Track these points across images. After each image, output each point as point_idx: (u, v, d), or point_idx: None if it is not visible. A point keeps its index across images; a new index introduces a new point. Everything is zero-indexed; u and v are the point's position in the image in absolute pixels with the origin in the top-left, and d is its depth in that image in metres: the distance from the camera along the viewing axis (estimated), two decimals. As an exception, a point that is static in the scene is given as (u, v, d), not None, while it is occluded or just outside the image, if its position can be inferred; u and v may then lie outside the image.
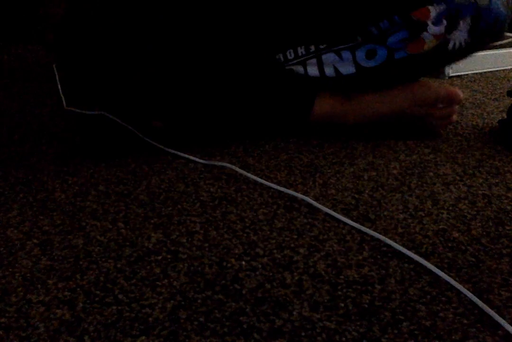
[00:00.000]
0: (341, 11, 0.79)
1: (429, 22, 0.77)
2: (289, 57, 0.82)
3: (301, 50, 0.81)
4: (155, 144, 0.79)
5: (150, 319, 0.44)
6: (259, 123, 0.84)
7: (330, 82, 0.83)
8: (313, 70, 0.83)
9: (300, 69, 0.83)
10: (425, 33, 0.78)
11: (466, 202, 0.64)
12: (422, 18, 0.77)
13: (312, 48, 0.81)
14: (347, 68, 0.82)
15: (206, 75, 0.78)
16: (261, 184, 0.67)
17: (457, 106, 0.84)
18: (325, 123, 0.83)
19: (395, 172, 0.72)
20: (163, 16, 0.79)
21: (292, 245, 0.55)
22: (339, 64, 0.81)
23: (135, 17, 0.78)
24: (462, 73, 1.20)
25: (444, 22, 0.76)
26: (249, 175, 0.69)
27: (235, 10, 0.80)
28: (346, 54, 0.81)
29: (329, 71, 0.82)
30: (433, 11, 0.76)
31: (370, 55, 0.80)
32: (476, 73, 1.22)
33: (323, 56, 0.81)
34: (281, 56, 0.82)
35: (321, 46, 0.81)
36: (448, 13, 0.75)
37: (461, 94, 0.82)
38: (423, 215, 0.61)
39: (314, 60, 0.82)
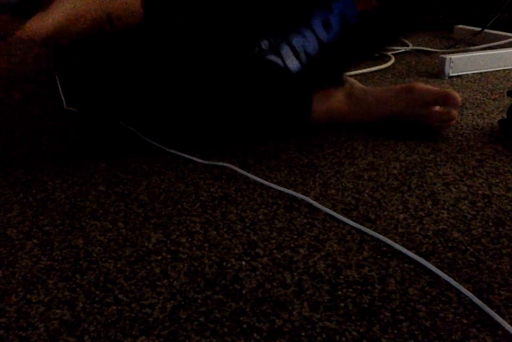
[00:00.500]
0: None
1: None
2: (264, 47, 0.81)
3: (271, 39, 0.80)
4: (155, 144, 0.79)
5: (150, 319, 0.44)
6: (259, 125, 0.84)
7: (311, 69, 0.82)
8: (293, 63, 0.81)
9: (279, 60, 0.81)
10: None
11: (466, 202, 0.64)
12: None
13: (279, 36, 0.80)
14: (313, 46, 0.80)
15: (205, 76, 0.78)
16: (261, 184, 0.67)
17: (457, 111, 0.84)
18: (324, 124, 0.83)
19: (395, 171, 0.72)
20: (163, 17, 0.79)
21: (292, 245, 0.55)
22: (306, 45, 0.80)
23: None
24: (462, 73, 1.20)
25: None
26: (249, 175, 0.69)
27: (235, 9, 0.80)
28: (307, 32, 0.79)
29: (303, 57, 0.81)
30: None
31: (326, 25, 0.79)
32: (476, 73, 1.22)
33: (294, 43, 0.80)
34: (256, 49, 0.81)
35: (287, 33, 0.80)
36: None
37: (459, 97, 0.82)
38: (423, 215, 0.61)
39: (288, 49, 0.80)
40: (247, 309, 0.45)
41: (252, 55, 0.80)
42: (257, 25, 0.80)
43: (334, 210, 0.61)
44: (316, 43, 0.79)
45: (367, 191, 0.66)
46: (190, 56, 0.78)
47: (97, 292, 0.48)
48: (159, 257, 0.53)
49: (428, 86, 0.85)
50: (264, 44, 0.80)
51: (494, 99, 1.03)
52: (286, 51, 0.80)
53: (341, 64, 0.83)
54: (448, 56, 1.16)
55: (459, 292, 0.47)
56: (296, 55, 0.80)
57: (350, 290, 0.48)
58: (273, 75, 0.82)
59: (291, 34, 0.79)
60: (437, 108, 0.83)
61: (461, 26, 1.57)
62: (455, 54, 1.20)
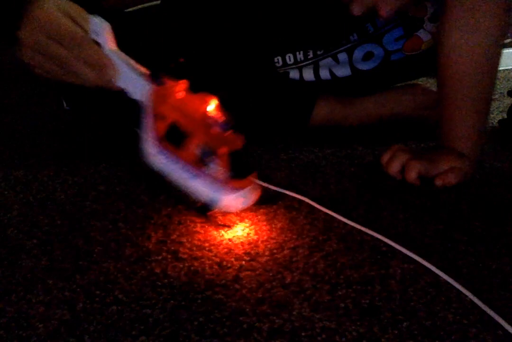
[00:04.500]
0: (338, 7, 0.79)
1: (426, 19, 0.76)
2: (288, 62, 0.82)
3: (299, 56, 0.81)
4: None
5: (150, 319, 0.44)
6: (259, 127, 0.84)
7: (326, 85, 0.83)
8: (308, 74, 0.82)
9: (296, 73, 0.82)
10: (421, 30, 0.78)
11: (466, 201, 0.64)
12: (419, 15, 0.76)
13: (311, 54, 0.80)
14: (342, 71, 0.81)
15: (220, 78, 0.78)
16: (261, 184, 0.67)
17: None
18: (325, 126, 0.83)
19: (395, 172, 0.72)
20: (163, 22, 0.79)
21: (292, 245, 0.55)
22: (335, 67, 0.81)
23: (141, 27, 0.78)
24: (462, 73, 1.20)
25: None
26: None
27: (238, 13, 0.80)
28: (343, 57, 0.80)
29: (324, 74, 0.82)
30: (430, 7, 0.76)
31: (367, 57, 0.80)
32: (476, 73, 1.21)
33: (320, 62, 0.81)
34: (279, 59, 0.82)
35: (319, 52, 0.80)
36: None
37: None
38: (423, 214, 0.61)
39: (310, 65, 0.82)
40: (247, 309, 0.45)
41: (269, 66, 0.81)
42: (279, 39, 0.81)
43: (334, 210, 0.61)
44: (348, 69, 0.81)
45: (367, 191, 0.66)
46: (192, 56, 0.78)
47: (97, 292, 0.48)
48: (159, 257, 0.53)
49: (429, 90, 0.85)
50: (289, 58, 0.81)
51: (494, 99, 1.03)
52: (307, 66, 0.81)
53: (367, 89, 0.84)
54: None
55: (459, 292, 0.47)
56: (316, 70, 0.81)
57: (350, 290, 0.48)
58: (278, 78, 0.83)
59: (322, 56, 0.80)
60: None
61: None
62: (455, 54, 1.19)
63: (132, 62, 0.55)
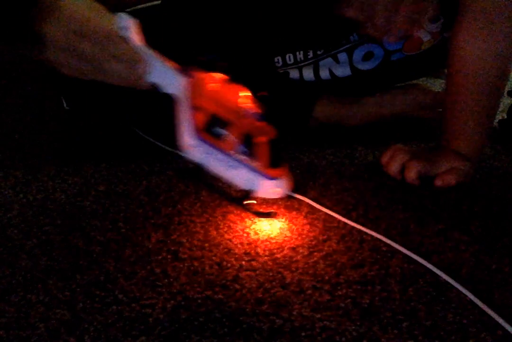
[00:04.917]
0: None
1: (426, 19, 0.76)
2: (288, 62, 0.82)
3: (299, 56, 0.81)
4: (156, 143, 0.79)
5: (150, 319, 0.44)
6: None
7: (326, 85, 0.83)
8: (308, 74, 0.82)
9: (295, 73, 0.82)
10: (421, 30, 0.77)
11: (466, 202, 0.64)
12: None
13: (311, 54, 0.80)
14: (342, 71, 0.81)
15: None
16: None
17: None
18: (325, 126, 0.83)
19: (395, 172, 0.72)
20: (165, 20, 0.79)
21: (292, 245, 0.55)
22: (334, 67, 0.81)
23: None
24: (462, 73, 1.20)
25: (441, 18, 0.75)
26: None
27: (239, 13, 0.80)
28: (343, 57, 0.80)
29: (324, 74, 0.82)
30: (429, 7, 0.75)
31: (367, 57, 0.80)
32: (476, 73, 1.21)
33: (320, 62, 0.81)
34: (279, 59, 0.82)
35: (319, 52, 0.80)
36: (446, 10, 0.74)
37: None
38: (423, 215, 0.61)
39: (310, 65, 0.82)
40: (247, 309, 0.45)
41: (269, 66, 0.81)
42: (279, 39, 0.81)
43: (334, 210, 0.61)
44: (348, 69, 0.81)
45: (367, 191, 0.66)
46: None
47: (97, 292, 0.48)
48: (159, 257, 0.53)
49: (428, 90, 0.85)
50: (289, 58, 0.81)
51: (494, 99, 1.02)
52: (306, 66, 0.81)
53: (367, 89, 0.84)
54: (448, 56, 1.15)
55: (459, 292, 0.47)
56: (316, 70, 0.81)
57: (350, 290, 0.48)
58: (278, 78, 0.83)
59: (322, 56, 0.80)
60: (437, 110, 0.83)
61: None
62: (455, 54, 1.19)
63: (161, 57, 0.55)
